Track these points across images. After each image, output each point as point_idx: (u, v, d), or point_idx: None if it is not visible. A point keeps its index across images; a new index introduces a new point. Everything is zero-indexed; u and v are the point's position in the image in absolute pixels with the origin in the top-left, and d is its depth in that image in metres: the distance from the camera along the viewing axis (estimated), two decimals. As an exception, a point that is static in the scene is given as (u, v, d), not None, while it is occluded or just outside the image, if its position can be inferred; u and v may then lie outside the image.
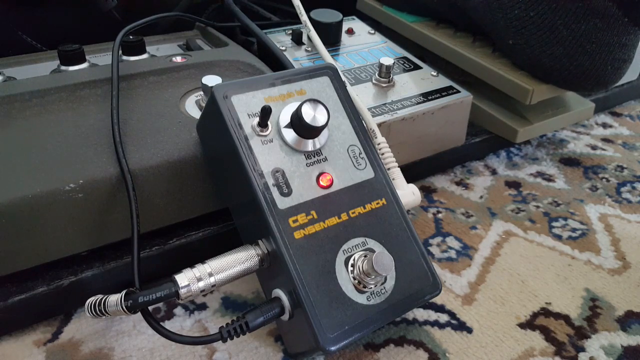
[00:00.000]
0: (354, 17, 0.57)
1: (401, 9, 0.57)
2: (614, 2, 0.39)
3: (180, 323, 0.32)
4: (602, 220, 0.42)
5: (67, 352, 0.30)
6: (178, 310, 0.33)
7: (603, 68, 0.42)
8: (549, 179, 0.48)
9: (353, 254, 0.27)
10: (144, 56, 0.44)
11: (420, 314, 0.33)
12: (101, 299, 0.26)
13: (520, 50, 0.44)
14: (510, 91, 0.46)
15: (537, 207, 0.44)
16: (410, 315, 0.33)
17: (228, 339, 0.26)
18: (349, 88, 0.36)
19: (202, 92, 0.37)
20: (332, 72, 0.32)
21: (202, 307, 0.33)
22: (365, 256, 0.27)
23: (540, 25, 0.41)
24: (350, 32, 0.53)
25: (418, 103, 0.42)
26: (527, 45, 0.43)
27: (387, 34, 0.54)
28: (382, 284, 0.28)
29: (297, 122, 0.27)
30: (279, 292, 0.27)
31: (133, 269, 0.27)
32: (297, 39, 0.50)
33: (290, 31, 0.52)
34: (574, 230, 0.41)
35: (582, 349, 0.31)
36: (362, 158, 0.30)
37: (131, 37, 0.43)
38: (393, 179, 0.34)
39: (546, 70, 0.44)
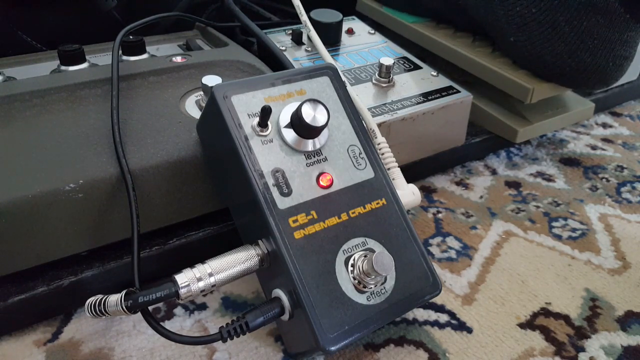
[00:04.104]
0: (354, 17, 0.57)
1: (401, 10, 0.57)
2: None
3: (180, 323, 0.32)
4: (602, 220, 0.42)
5: (67, 352, 0.30)
6: (178, 310, 0.33)
7: (605, 65, 0.42)
8: (549, 179, 0.48)
9: (353, 254, 0.27)
10: (144, 56, 0.44)
11: (420, 314, 0.33)
12: (101, 299, 0.26)
13: (522, 47, 0.44)
14: (510, 90, 0.46)
15: (537, 207, 0.44)
16: (410, 315, 0.33)
17: (228, 339, 0.26)
18: (349, 88, 0.36)
19: (202, 92, 0.37)
20: (332, 72, 0.32)
21: (202, 307, 0.33)
22: (365, 256, 0.27)
23: (542, 21, 0.41)
24: (350, 32, 0.53)
25: (418, 103, 0.42)
26: (528, 42, 0.43)
27: (387, 35, 0.54)
28: (382, 284, 0.28)
29: (297, 122, 0.27)
30: (279, 292, 0.27)
31: (133, 269, 0.27)
32: (297, 39, 0.50)
33: (290, 31, 0.52)
34: (574, 230, 0.41)
35: (582, 349, 0.31)
36: (362, 158, 0.30)
37: (131, 37, 0.43)
38: (393, 179, 0.34)
39: (548, 67, 0.44)
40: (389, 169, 0.34)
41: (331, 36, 0.49)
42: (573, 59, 0.42)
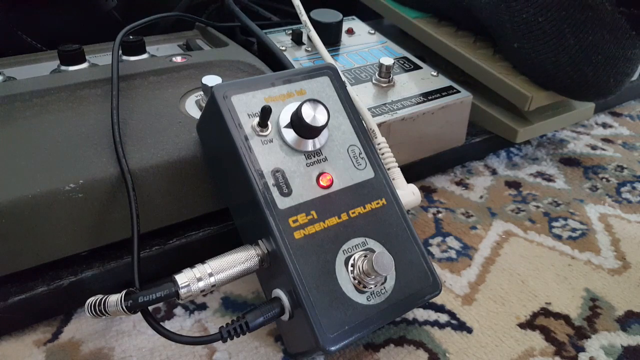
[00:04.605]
0: (354, 17, 0.57)
1: (404, 3, 0.57)
2: (623, 15, 0.39)
3: (180, 323, 0.32)
4: (602, 220, 0.42)
5: (67, 352, 0.30)
6: (178, 310, 0.33)
7: (605, 80, 0.42)
8: (549, 179, 0.48)
9: (353, 254, 0.27)
10: (144, 56, 0.44)
11: (420, 314, 0.33)
12: (101, 299, 0.26)
13: (525, 54, 0.44)
14: (509, 96, 0.46)
15: (537, 207, 0.44)
16: (410, 315, 0.33)
17: (228, 339, 0.26)
18: (349, 88, 0.36)
19: (202, 92, 0.37)
20: (332, 72, 0.32)
21: (202, 307, 0.33)
22: (365, 256, 0.27)
23: (547, 31, 0.41)
24: (350, 32, 0.53)
25: (418, 103, 0.42)
26: (532, 50, 0.43)
27: (387, 29, 0.54)
28: (382, 284, 0.28)
29: (297, 122, 0.27)
30: (279, 292, 0.27)
31: (133, 269, 0.27)
32: (297, 39, 0.50)
33: (290, 31, 0.52)
34: (574, 230, 0.41)
35: (582, 349, 0.31)
36: (362, 158, 0.30)
37: (131, 37, 0.43)
38: (393, 179, 0.34)
39: (549, 76, 0.44)
40: (389, 169, 0.34)
41: (331, 36, 0.49)
42: (575, 71, 0.42)
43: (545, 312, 0.34)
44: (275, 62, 0.44)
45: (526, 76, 0.46)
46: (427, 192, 0.45)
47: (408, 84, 0.45)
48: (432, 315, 0.33)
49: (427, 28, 0.53)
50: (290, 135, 0.28)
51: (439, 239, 0.40)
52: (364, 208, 0.29)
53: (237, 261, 0.27)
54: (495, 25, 0.46)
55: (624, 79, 0.43)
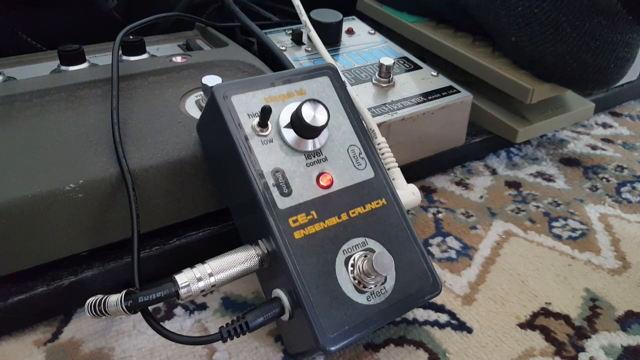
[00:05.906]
0: (354, 17, 0.57)
1: (401, 9, 0.57)
2: (619, 0, 0.39)
3: (180, 323, 0.32)
4: (602, 220, 0.42)
5: (67, 352, 0.30)
6: (178, 310, 0.33)
7: (606, 66, 0.42)
8: (549, 179, 0.48)
9: (353, 254, 0.27)
10: (144, 56, 0.44)
11: (420, 314, 0.33)
12: (101, 299, 0.26)
13: (523, 47, 0.44)
14: (510, 90, 0.46)
15: (537, 207, 0.44)
16: (410, 315, 0.33)
17: (228, 339, 0.26)
18: (349, 88, 0.36)
19: (202, 92, 0.37)
20: (332, 72, 0.32)
21: (202, 307, 0.33)
22: (365, 256, 0.27)
23: (544, 22, 0.41)
24: (350, 32, 0.53)
25: (418, 103, 0.42)
26: (530, 43, 0.43)
27: (387, 34, 0.54)
28: (382, 284, 0.28)
29: (297, 122, 0.27)
30: (279, 292, 0.27)
31: (133, 269, 0.27)
32: (297, 39, 0.50)
33: (290, 31, 0.52)
34: (574, 230, 0.41)
35: (582, 349, 0.31)
36: (362, 158, 0.30)
37: (131, 37, 0.43)
38: (393, 179, 0.34)
39: (549, 67, 0.44)
40: (389, 169, 0.34)
41: (331, 36, 0.49)
42: (575, 59, 0.42)
43: (545, 312, 0.34)
44: (275, 62, 0.44)
45: (527, 70, 0.46)
46: (427, 192, 0.45)
47: (408, 84, 0.45)
48: (432, 315, 0.33)
49: (426, 31, 0.53)
50: (290, 135, 0.28)
51: (439, 239, 0.40)
52: (364, 208, 0.29)
53: (237, 261, 0.27)
54: (492, 22, 0.46)
55: (624, 64, 0.43)
